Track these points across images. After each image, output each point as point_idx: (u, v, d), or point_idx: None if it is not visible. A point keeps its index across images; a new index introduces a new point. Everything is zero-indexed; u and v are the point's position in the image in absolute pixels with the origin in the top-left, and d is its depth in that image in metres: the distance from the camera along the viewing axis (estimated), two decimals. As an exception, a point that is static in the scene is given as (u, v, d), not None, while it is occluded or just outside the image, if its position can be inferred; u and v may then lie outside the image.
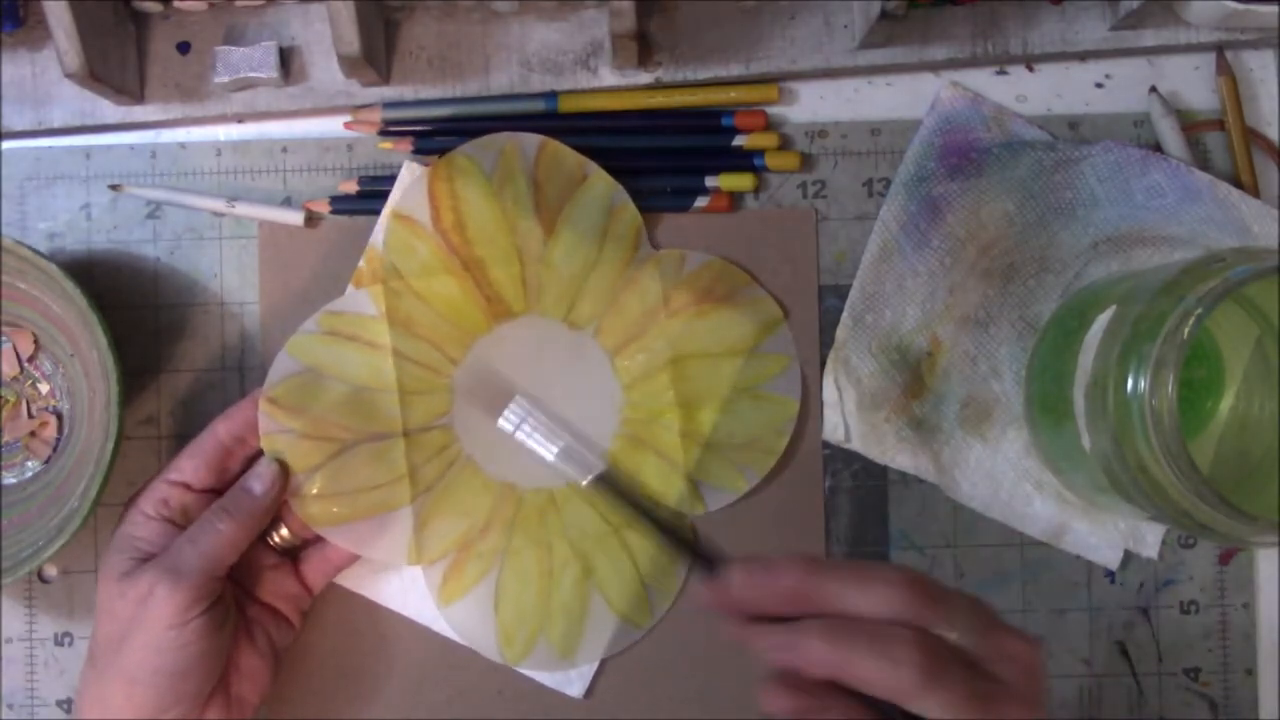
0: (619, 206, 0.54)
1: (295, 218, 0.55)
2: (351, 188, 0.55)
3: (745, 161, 0.56)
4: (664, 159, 0.56)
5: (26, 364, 0.55)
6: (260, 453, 0.52)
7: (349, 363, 0.54)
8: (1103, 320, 0.48)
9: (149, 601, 0.47)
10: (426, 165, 0.55)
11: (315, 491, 0.52)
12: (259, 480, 0.51)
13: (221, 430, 0.52)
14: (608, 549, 0.55)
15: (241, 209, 0.55)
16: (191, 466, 0.51)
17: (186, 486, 0.50)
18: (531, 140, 0.54)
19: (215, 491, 0.51)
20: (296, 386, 0.53)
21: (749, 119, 0.56)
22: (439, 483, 0.54)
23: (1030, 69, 0.57)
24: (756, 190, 0.56)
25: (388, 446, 0.53)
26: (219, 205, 0.55)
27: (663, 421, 0.54)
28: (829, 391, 0.55)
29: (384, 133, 0.56)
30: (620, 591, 0.55)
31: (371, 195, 0.55)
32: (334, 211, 0.56)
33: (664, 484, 0.54)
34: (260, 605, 0.52)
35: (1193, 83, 0.57)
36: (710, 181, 0.55)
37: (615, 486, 0.51)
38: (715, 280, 0.55)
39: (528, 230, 0.54)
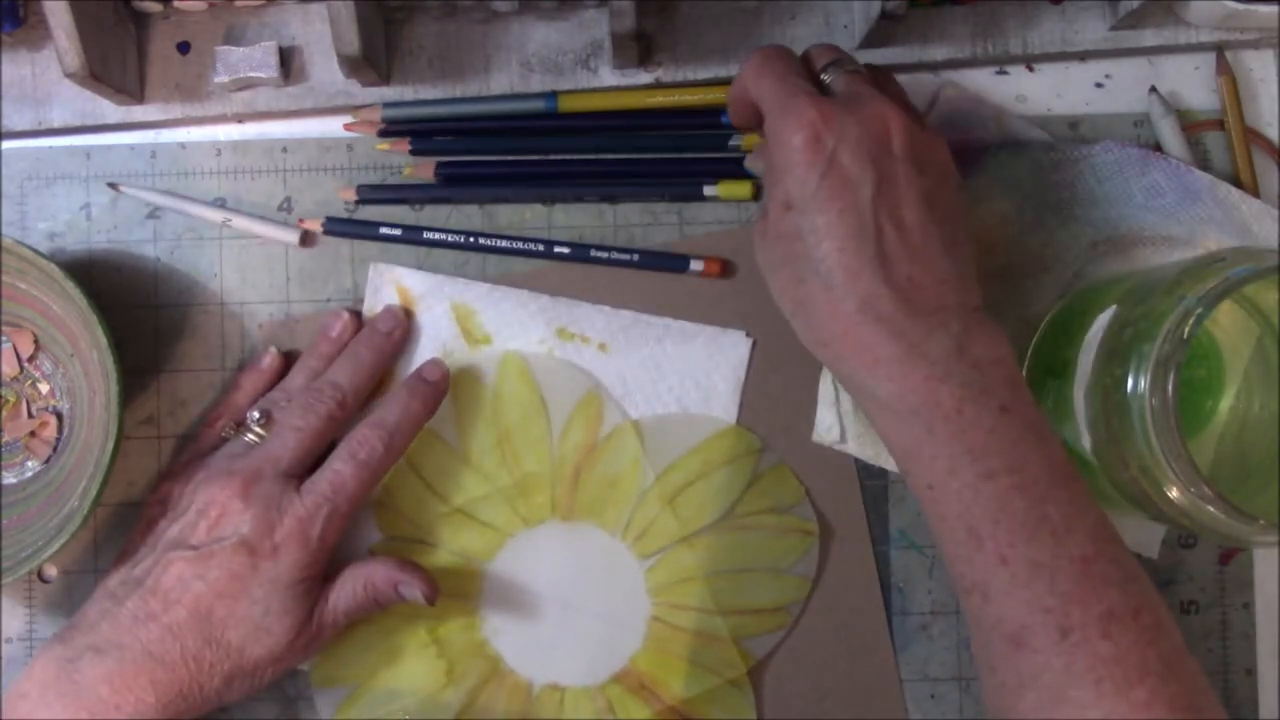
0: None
1: (290, 236, 0.55)
2: (350, 195, 0.55)
3: (743, 169, 0.55)
4: (661, 167, 0.56)
5: (26, 364, 0.55)
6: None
7: None
8: (1103, 320, 0.48)
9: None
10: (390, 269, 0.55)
11: None
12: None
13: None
14: None
15: (238, 223, 0.55)
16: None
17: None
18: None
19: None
20: None
21: (749, 119, 0.55)
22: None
23: (1030, 69, 0.57)
24: (756, 198, 0.55)
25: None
26: (215, 217, 0.55)
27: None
28: (825, 389, 0.55)
29: (384, 133, 0.56)
30: None
31: (364, 223, 0.55)
32: (327, 232, 0.55)
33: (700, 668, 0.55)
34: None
35: (1193, 83, 0.57)
36: (709, 190, 0.55)
37: None
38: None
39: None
